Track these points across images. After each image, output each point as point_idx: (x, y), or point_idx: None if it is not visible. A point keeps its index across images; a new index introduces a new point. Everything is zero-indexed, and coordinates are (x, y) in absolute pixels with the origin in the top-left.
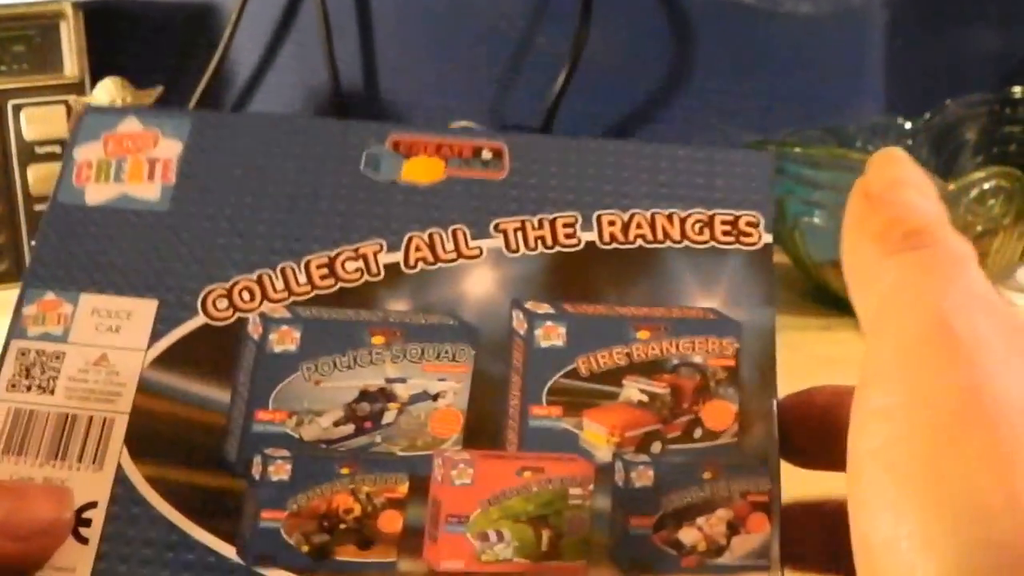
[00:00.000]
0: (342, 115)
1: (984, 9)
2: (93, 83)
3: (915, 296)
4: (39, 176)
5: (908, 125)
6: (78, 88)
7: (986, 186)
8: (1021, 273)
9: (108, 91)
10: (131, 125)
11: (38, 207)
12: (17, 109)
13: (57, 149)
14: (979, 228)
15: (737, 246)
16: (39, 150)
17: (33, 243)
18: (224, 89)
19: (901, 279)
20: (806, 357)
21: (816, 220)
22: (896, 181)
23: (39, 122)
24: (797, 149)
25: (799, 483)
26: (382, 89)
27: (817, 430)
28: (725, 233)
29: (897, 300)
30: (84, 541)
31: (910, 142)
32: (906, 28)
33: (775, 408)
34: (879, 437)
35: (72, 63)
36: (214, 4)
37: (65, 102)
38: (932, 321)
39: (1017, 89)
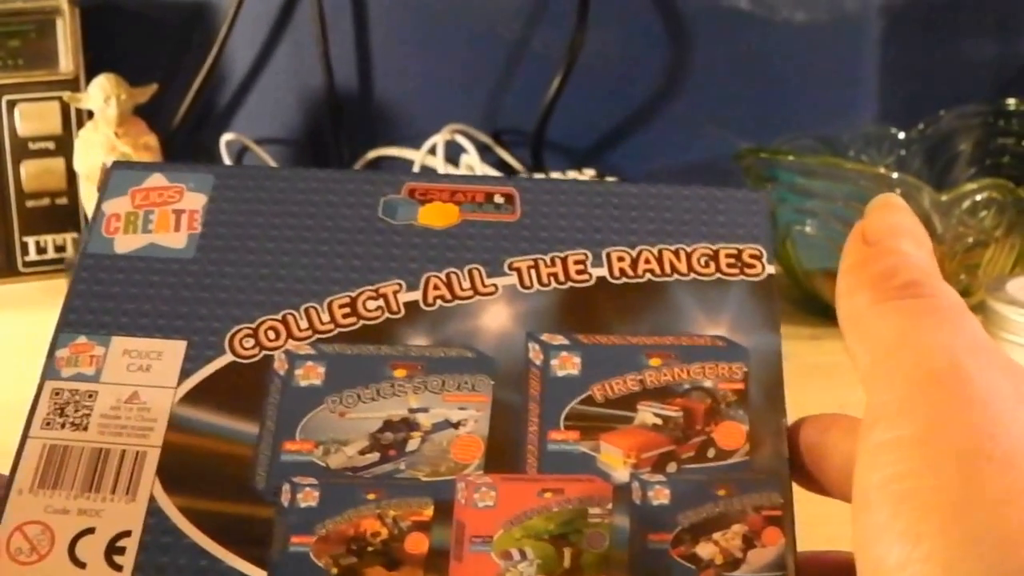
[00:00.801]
0: (336, 116)
1: (980, 21)
2: (88, 80)
3: (922, 340)
4: (32, 172)
5: (902, 135)
6: (73, 85)
7: (978, 198)
8: (1012, 285)
9: (103, 88)
10: (157, 180)
11: (30, 203)
12: (12, 105)
13: (51, 145)
14: (970, 240)
15: (741, 277)
16: (33, 146)
17: (66, 289)
18: (219, 88)
19: (905, 324)
20: (796, 366)
21: (808, 229)
22: (894, 229)
23: (33, 118)
24: (790, 157)
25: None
26: (376, 91)
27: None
28: (729, 265)
29: (903, 343)
30: (118, 568)
31: (903, 152)
32: (901, 38)
33: (785, 427)
34: (890, 468)
35: (68, 60)
36: (210, 3)
37: (60, 98)
38: (944, 364)
39: (1011, 101)
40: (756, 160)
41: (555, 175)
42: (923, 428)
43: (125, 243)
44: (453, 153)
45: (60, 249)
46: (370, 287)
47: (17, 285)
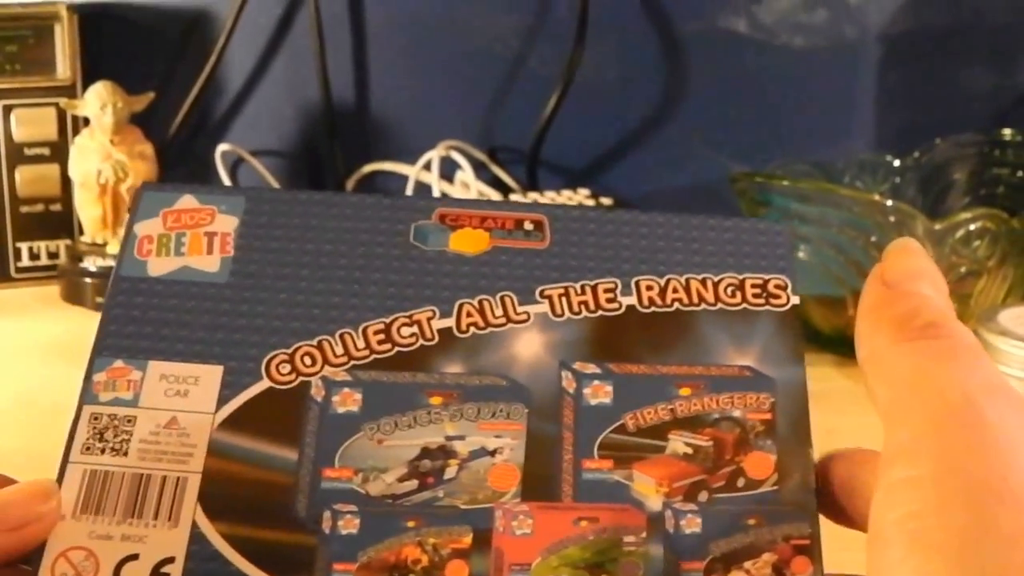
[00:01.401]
0: (332, 129)
1: (976, 50)
2: (85, 86)
3: (939, 379)
4: (27, 178)
5: (897, 163)
6: (70, 91)
7: (972, 227)
8: (1004, 316)
9: (99, 95)
10: (188, 202)
11: (24, 209)
12: (8, 110)
13: (46, 151)
14: (963, 269)
15: (767, 307)
16: (28, 152)
17: (100, 313)
18: (215, 98)
19: (923, 364)
20: None
21: (800, 254)
22: (913, 272)
23: (29, 123)
24: (785, 182)
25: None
26: (373, 105)
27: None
28: (755, 295)
29: (921, 382)
30: None
31: (898, 180)
32: (898, 66)
33: (812, 458)
34: (905, 506)
35: (65, 66)
36: (209, 12)
37: (56, 104)
38: (959, 402)
39: (1007, 131)
40: (750, 184)
41: (550, 194)
42: (937, 467)
43: (158, 266)
44: (448, 169)
45: (53, 255)
46: (404, 313)
47: (10, 291)
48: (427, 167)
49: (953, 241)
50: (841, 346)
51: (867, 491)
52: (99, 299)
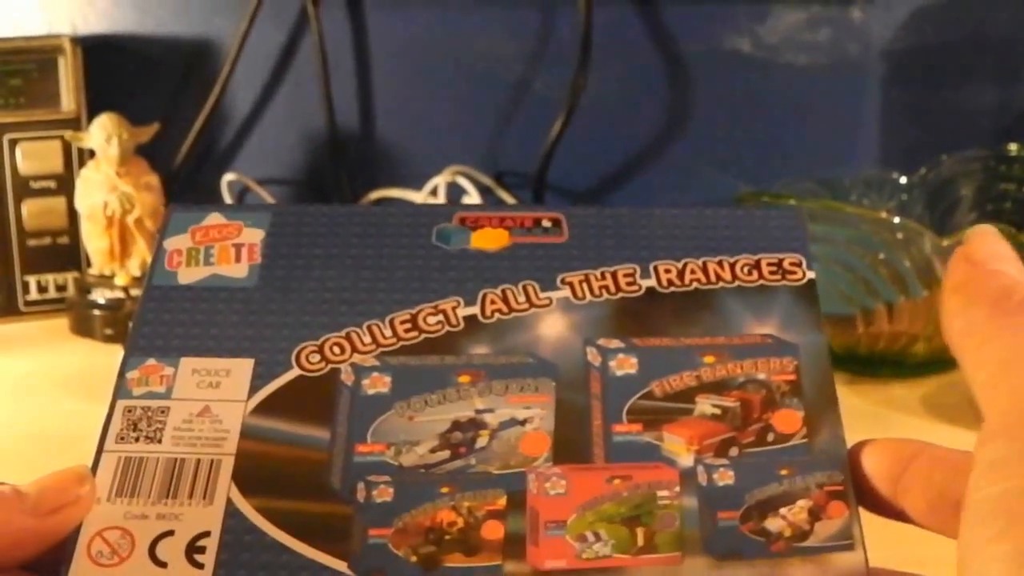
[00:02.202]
0: (337, 157)
1: (981, 66)
2: (90, 118)
3: None
4: (33, 211)
5: (903, 180)
6: (75, 123)
7: None
8: None
9: (104, 127)
10: (215, 219)
11: (32, 242)
12: (13, 143)
13: (52, 184)
14: None
15: (784, 283)
16: (34, 185)
17: (133, 318)
18: (220, 128)
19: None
20: None
21: None
22: (998, 254)
23: (35, 157)
24: (791, 201)
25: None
26: (378, 132)
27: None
28: (772, 272)
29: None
30: (200, 567)
31: (905, 197)
32: (903, 83)
33: (839, 413)
34: (1008, 481)
35: (69, 98)
36: (212, 42)
37: (61, 137)
38: None
39: (1013, 146)
40: (757, 203)
41: None
42: None
43: (188, 275)
44: (455, 195)
45: (61, 288)
46: (429, 304)
47: (18, 324)
48: (433, 193)
49: None
50: (851, 364)
51: (930, 485)
52: (108, 331)
